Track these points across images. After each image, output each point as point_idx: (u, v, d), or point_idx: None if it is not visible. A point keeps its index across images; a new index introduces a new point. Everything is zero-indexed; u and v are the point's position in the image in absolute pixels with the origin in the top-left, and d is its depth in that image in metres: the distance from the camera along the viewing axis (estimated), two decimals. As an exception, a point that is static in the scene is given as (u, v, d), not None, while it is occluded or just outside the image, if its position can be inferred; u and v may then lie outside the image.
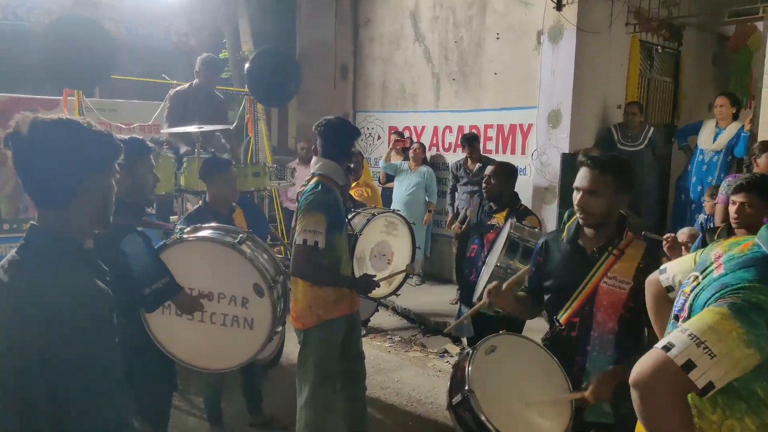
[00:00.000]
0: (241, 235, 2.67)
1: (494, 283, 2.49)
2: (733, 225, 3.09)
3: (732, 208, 3.08)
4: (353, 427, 3.39)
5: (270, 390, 4.36)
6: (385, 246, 3.62)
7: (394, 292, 3.81)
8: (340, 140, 3.08)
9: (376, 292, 3.46)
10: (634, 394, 1.34)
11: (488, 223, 3.89)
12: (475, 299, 3.51)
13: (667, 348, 1.31)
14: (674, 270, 1.82)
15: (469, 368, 2.14)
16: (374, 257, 3.54)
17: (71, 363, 1.42)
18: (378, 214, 3.63)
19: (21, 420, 1.37)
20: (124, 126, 5.89)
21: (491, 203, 3.98)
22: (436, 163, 7.61)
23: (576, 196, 2.27)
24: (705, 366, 1.27)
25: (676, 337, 1.32)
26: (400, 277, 3.66)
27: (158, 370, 2.74)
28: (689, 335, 1.30)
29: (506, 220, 3.69)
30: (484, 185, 3.94)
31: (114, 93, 8.40)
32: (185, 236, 2.65)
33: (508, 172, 3.96)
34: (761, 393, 1.37)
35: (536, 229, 3.37)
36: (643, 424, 1.38)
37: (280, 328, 2.78)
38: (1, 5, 8.51)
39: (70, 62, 5.04)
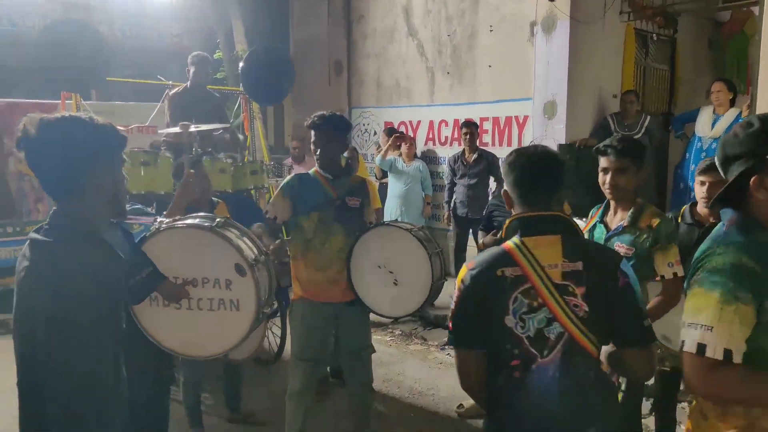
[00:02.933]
0: (218, 220, 2.67)
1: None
2: (703, 205, 3.07)
3: (702, 188, 3.04)
4: (355, 424, 3.44)
5: (258, 386, 4.41)
6: (399, 264, 3.21)
7: (396, 318, 3.71)
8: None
9: (380, 309, 3.29)
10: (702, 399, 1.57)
11: None
12: None
13: (682, 346, 1.49)
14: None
15: None
16: (378, 268, 3.21)
17: (74, 325, 1.54)
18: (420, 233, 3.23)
19: (19, 375, 1.57)
20: (122, 128, 5.89)
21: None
22: (432, 158, 7.61)
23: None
24: (713, 340, 1.43)
25: (683, 334, 1.50)
26: (412, 305, 3.27)
27: (153, 361, 2.75)
28: (688, 324, 1.49)
29: None
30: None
31: (110, 95, 8.41)
32: (163, 226, 2.65)
33: None
34: None
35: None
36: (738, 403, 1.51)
37: (268, 309, 2.75)
38: (-5, 11, 8.53)
39: (65, 66, 5.08)
